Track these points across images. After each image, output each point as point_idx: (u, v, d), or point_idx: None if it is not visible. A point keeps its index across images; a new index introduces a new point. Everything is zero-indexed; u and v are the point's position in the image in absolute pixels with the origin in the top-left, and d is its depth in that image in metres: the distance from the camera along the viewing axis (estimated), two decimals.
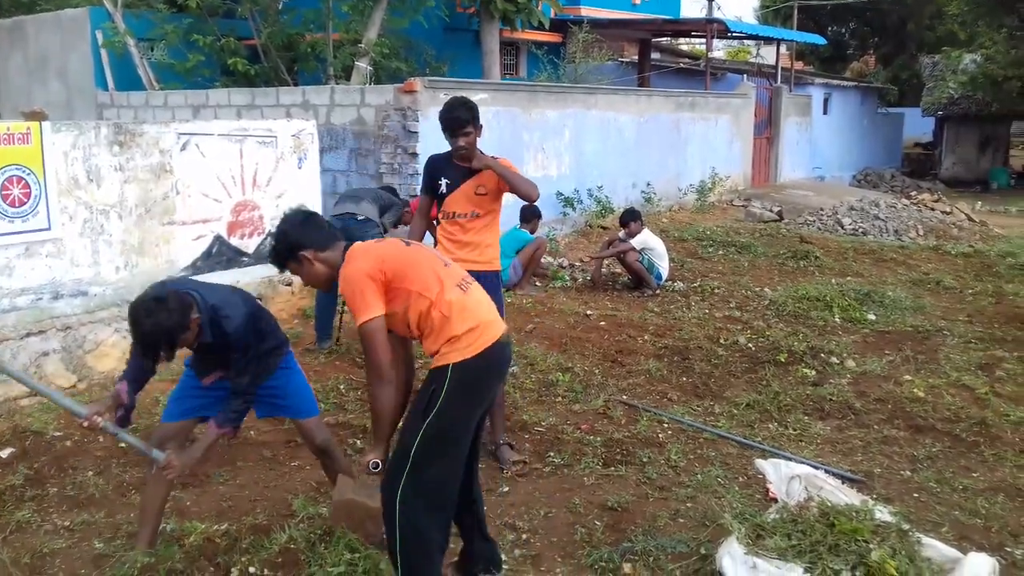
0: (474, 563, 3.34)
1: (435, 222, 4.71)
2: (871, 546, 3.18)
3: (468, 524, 3.30)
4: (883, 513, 3.50)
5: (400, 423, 3.09)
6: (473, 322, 2.94)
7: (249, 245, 6.95)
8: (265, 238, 7.05)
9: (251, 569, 3.23)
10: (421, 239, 4.42)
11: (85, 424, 3.22)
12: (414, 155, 9.23)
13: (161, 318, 3.02)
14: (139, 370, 3.32)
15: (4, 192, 5.36)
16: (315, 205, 7.53)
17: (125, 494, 4.25)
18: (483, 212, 4.46)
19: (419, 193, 4.59)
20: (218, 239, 6.69)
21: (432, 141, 9.29)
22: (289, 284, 7.05)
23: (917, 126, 27.77)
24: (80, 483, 4.35)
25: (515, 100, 10.58)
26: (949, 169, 24.09)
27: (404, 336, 3.11)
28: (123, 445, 3.52)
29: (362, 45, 12.24)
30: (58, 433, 4.92)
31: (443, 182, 4.43)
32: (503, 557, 3.56)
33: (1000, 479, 4.45)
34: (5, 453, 4.66)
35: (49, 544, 3.75)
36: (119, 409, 3.36)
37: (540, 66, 15.20)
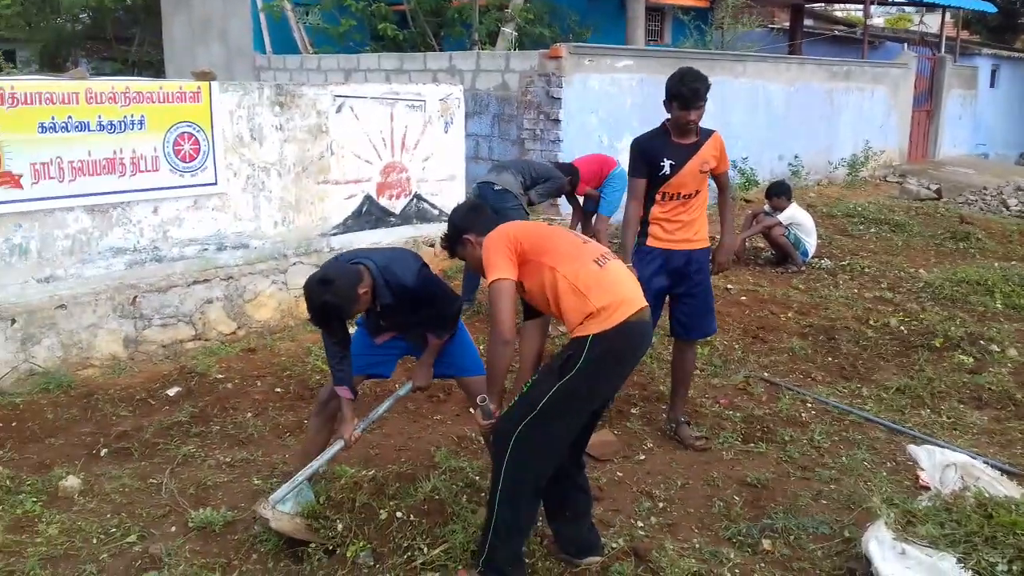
0: (565, 545, 3.32)
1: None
2: None
3: (571, 488, 3.28)
4: None
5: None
6: (610, 297, 2.95)
7: (396, 206, 7.16)
8: (411, 200, 7.25)
9: (398, 514, 3.37)
10: (638, 225, 4.30)
11: (353, 444, 3.54)
12: (556, 121, 9.24)
13: (327, 298, 3.16)
14: (339, 357, 3.46)
15: (176, 147, 5.72)
16: (459, 168, 7.68)
17: (280, 435, 4.52)
18: (702, 189, 4.31)
19: (631, 176, 4.28)
20: (368, 199, 6.92)
21: (575, 107, 9.30)
22: (432, 245, 7.23)
23: None
24: (240, 423, 4.65)
25: (660, 67, 10.37)
26: None
27: (545, 312, 3.17)
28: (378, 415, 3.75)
29: (507, 11, 12.28)
30: (220, 375, 5.26)
31: (666, 163, 4.17)
32: (639, 524, 3.59)
33: None
34: (172, 392, 5.03)
35: (212, 477, 4.04)
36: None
37: (686, 32, 14.83)
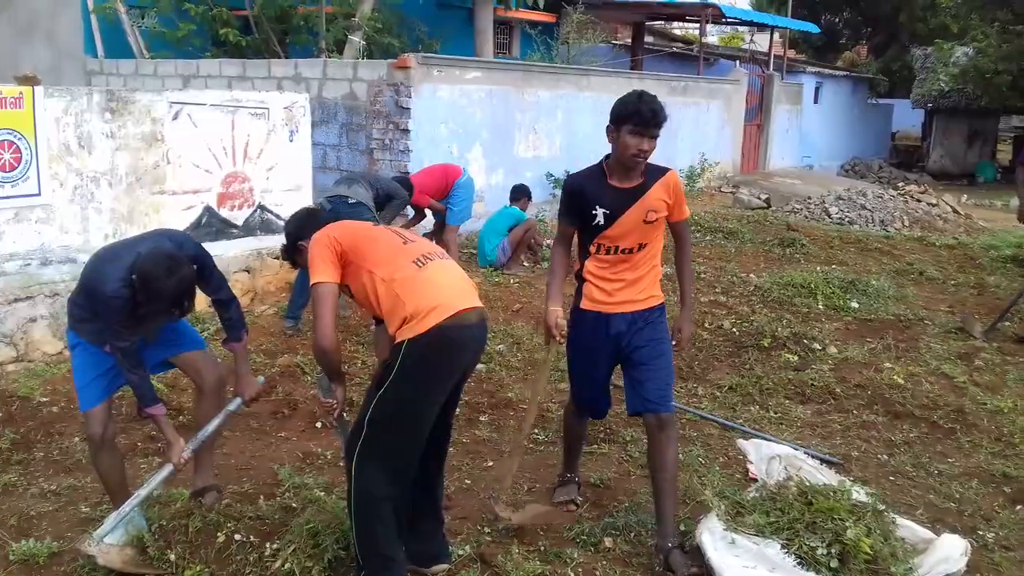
0: (420, 545, 3.29)
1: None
2: (847, 524, 3.25)
3: (423, 504, 3.26)
4: (860, 494, 3.57)
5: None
6: (424, 301, 2.88)
7: (239, 217, 6.95)
8: (255, 210, 7.06)
9: (237, 536, 3.27)
10: (564, 273, 3.62)
11: (182, 467, 3.38)
12: (406, 131, 9.23)
13: (187, 271, 3.09)
14: (140, 364, 3.27)
15: None
16: (305, 179, 7.55)
17: None
18: (652, 240, 3.50)
19: (559, 217, 3.61)
20: (208, 210, 6.69)
21: (425, 118, 9.32)
22: (277, 257, 7.05)
23: (906, 118, 27.88)
24: (66, 448, 4.39)
25: (508, 80, 10.58)
26: (937, 162, 24.21)
27: (374, 315, 3.15)
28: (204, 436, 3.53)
29: (355, 19, 12.18)
30: (44, 399, 4.93)
31: (599, 212, 3.38)
32: (486, 530, 3.63)
33: (975, 465, 4.54)
34: None
35: (35, 507, 3.79)
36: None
37: (533, 46, 15.18)
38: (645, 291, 3.53)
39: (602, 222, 3.40)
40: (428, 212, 7.81)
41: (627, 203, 3.39)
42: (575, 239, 3.60)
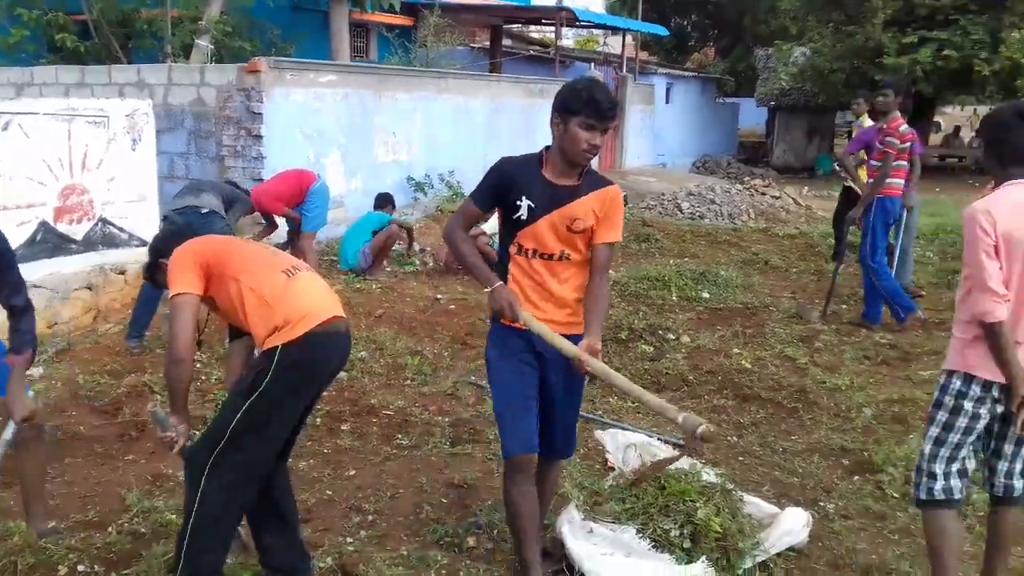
0: (271, 559, 3.19)
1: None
2: (698, 505, 3.39)
3: (274, 518, 3.18)
4: (710, 475, 3.74)
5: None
6: (296, 309, 2.90)
7: (78, 231, 6.58)
8: (96, 224, 6.70)
9: (80, 567, 3.10)
10: (472, 248, 3.16)
11: None
12: (258, 137, 9.00)
13: None
14: None
15: None
16: (150, 189, 7.23)
17: None
18: (575, 255, 3.09)
19: (471, 198, 3.13)
20: (43, 225, 6.30)
21: (279, 123, 9.10)
22: (123, 272, 6.72)
23: (752, 116, 29.32)
24: None
25: (365, 83, 10.47)
26: (780, 157, 25.55)
27: (237, 326, 3.09)
28: None
29: (202, 23, 11.77)
30: None
31: (524, 203, 3.00)
32: (348, 540, 3.59)
33: (816, 440, 4.83)
34: None
35: None
36: None
37: (391, 49, 15.09)
38: (571, 314, 3.11)
39: (524, 216, 3.01)
40: (280, 220, 7.64)
41: (556, 202, 3.02)
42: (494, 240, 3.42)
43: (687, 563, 3.22)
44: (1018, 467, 3.07)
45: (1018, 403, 2.88)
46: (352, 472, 4.28)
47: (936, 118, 26.76)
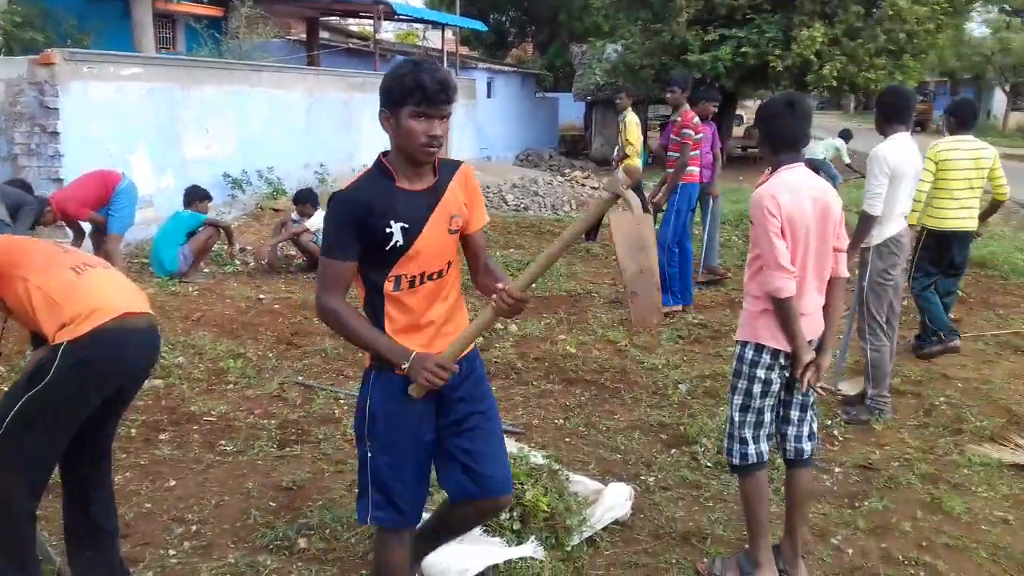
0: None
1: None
2: (526, 488, 3.48)
3: (80, 534, 3.02)
4: (537, 458, 3.85)
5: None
6: (84, 305, 2.75)
7: None
8: None
9: None
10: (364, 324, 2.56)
11: None
12: (55, 134, 8.38)
13: None
14: None
15: None
16: None
17: None
18: (455, 257, 2.70)
19: (328, 258, 2.49)
20: None
21: (77, 119, 8.51)
22: None
23: (571, 110, 30.22)
24: None
25: (172, 76, 9.97)
26: (598, 149, 26.47)
27: (27, 327, 2.91)
28: None
29: None
30: None
31: (395, 227, 2.47)
32: (171, 552, 3.43)
33: (637, 418, 5.07)
34: None
35: None
36: None
37: (200, 41, 14.41)
38: (461, 326, 2.71)
39: (400, 241, 2.47)
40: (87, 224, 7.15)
41: (426, 210, 2.53)
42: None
43: (517, 544, 3.31)
44: (805, 431, 3.38)
45: (801, 369, 3.18)
46: (173, 483, 4.08)
47: (738, 111, 28.63)
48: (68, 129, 8.44)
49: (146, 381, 5.17)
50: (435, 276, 2.59)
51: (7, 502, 2.72)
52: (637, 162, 9.80)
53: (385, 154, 2.55)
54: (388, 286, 2.53)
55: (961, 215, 5.92)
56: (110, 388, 2.87)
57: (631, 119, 9.54)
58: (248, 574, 3.27)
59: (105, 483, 3.07)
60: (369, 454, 2.60)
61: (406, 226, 2.48)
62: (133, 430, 4.57)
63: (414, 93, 2.40)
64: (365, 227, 2.46)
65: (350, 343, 2.68)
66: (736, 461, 3.34)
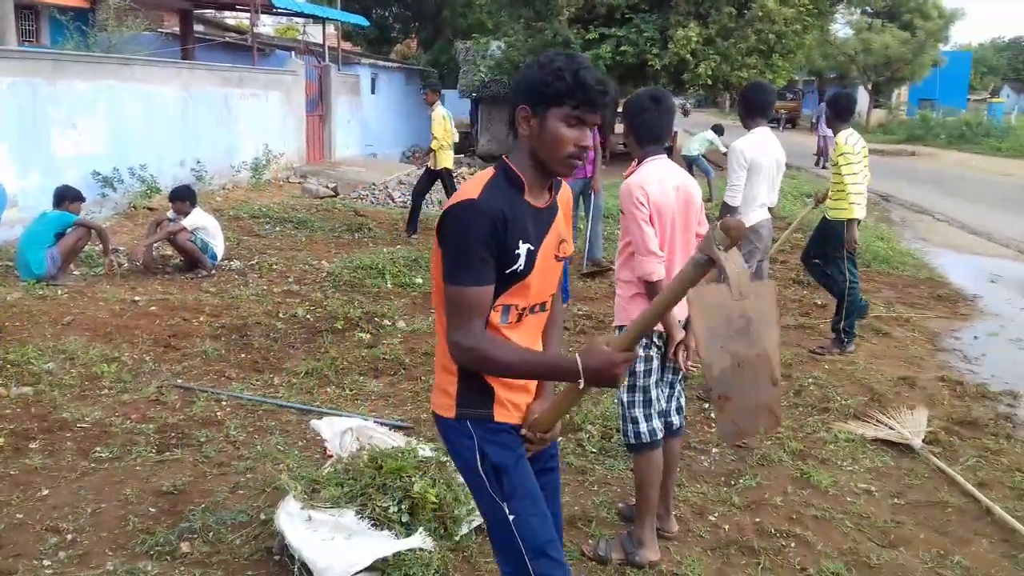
0: None
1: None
2: (414, 480, 3.51)
3: None
4: (426, 450, 3.88)
5: None
6: None
7: None
8: None
9: None
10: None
11: None
12: None
13: None
14: None
15: None
16: None
17: None
18: (557, 290, 2.43)
19: (465, 284, 2.09)
20: None
21: None
22: None
23: (457, 107, 30.24)
24: None
25: (36, 70, 9.46)
26: (485, 145, 26.61)
27: None
28: None
29: None
30: None
31: (523, 248, 2.15)
32: (46, 563, 3.30)
33: None
34: None
35: None
36: None
37: (66, 33, 13.71)
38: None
39: (522, 266, 2.15)
40: None
41: (543, 231, 2.22)
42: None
43: (406, 536, 3.33)
44: (674, 405, 3.62)
45: (673, 348, 3.37)
46: (45, 492, 3.90)
47: (620, 108, 29.27)
48: None
49: (13, 388, 4.95)
50: (538, 309, 2.30)
51: None
52: (447, 156, 10.36)
53: (507, 158, 2.21)
54: (495, 317, 2.19)
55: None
56: None
57: (438, 113, 10.31)
58: None
59: None
60: (512, 515, 2.22)
61: (532, 248, 2.16)
62: (1, 439, 4.34)
63: (573, 93, 2.07)
64: (501, 245, 2.10)
65: (509, 377, 2.24)
66: (631, 440, 3.48)
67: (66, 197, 7.77)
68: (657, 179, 3.39)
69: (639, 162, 3.51)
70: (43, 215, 7.68)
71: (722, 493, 4.13)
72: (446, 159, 10.43)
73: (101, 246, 7.95)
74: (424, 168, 10.83)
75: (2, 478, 4.01)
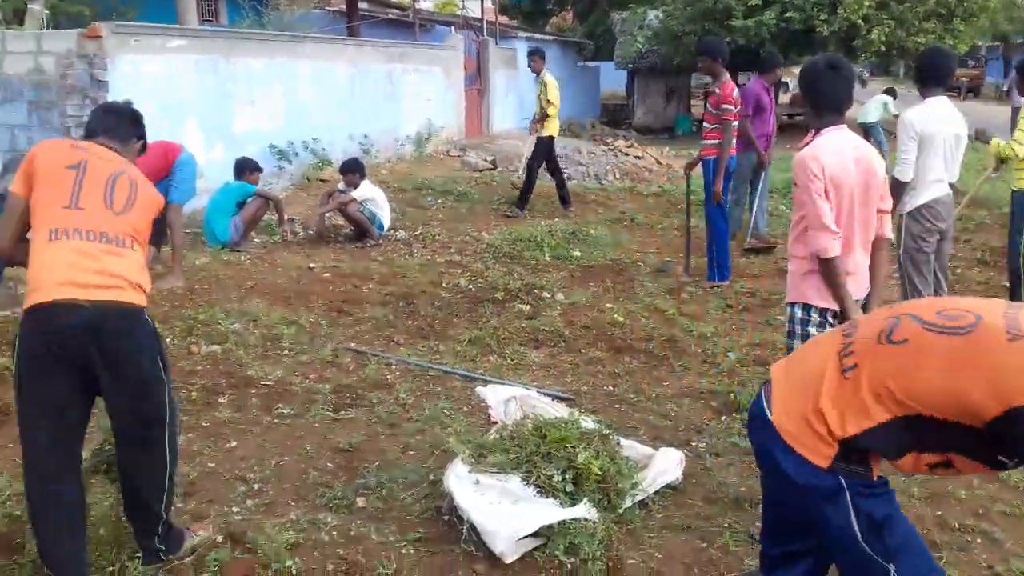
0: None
1: None
2: (578, 451, 3.53)
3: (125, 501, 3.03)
4: (588, 422, 3.89)
5: None
6: (33, 276, 2.75)
7: None
8: None
9: None
10: None
11: None
12: None
13: None
14: None
15: None
16: None
17: None
18: None
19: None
20: None
21: (127, 91, 8.60)
22: None
23: (612, 79, 29.92)
24: None
25: (216, 48, 10.07)
26: (641, 118, 26.27)
27: None
28: None
29: None
30: None
31: None
32: (235, 509, 3.55)
33: (686, 385, 5.08)
34: None
35: None
36: None
37: (242, 13, 14.51)
38: None
39: None
40: None
41: None
42: None
43: (571, 506, 3.36)
44: None
45: None
46: (234, 443, 4.20)
47: (784, 78, 28.10)
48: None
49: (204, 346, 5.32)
50: None
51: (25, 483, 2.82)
52: (555, 123, 10.27)
53: None
54: None
55: None
56: (53, 372, 2.74)
57: (551, 79, 10.16)
58: (310, 530, 3.36)
59: (132, 455, 2.98)
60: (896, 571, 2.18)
61: None
62: (194, 393, 4.69)
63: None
64: None
65: None
66: None
67: (245, 168, 8.26)
68: (834, 150, 3.23)
69: (816, 132, 3.35)
70: (226, 185, 8.20)
71: (901, 483, 3.92)
72: (554, 127, 10.33)
73: (277, 216, 8.41)
74: (535, 138, 10.47)
75: (195, 429, 4.34)
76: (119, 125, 3.18)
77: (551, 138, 10.38)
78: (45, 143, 3.17)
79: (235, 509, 3.57)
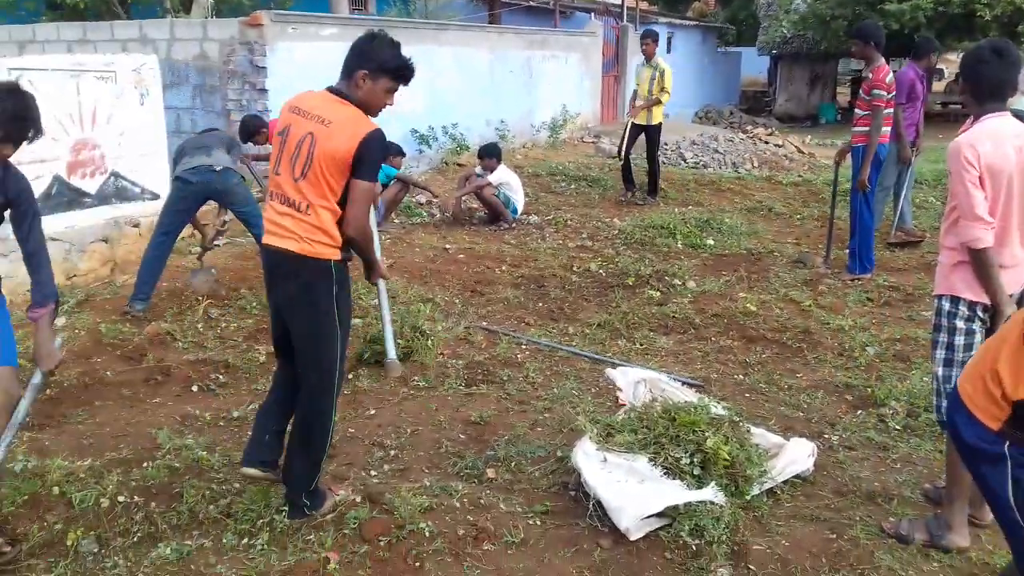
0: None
1: None
2: (707, 435, 3.53)
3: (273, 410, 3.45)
4: (718, 408, 3.87)
5: None
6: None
7: (91, 185, 6.66)
8: (109, 178, 6.78)
9: (120, 498, 3.26)
10: None
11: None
12: (263, 91, 9.02)
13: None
14: None
15: None
16: (160, 143, 7.29)
17: None
18: None
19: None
20: (57, 179, 6.38)
21: (283, 77, 9.12)
22: (136, 225, 6.82)
23: (754, 65, 29.09)
24: None
25: None
26: (782, 106, 25.45)
27: None
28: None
29: None
30: None
31: None
32: (372, 473, 3.75)
33: (820, 378, 4.97)
34: None
35: None
36: None
37: (389, 2, 14.98)
38: None
39: None
40: None
41: None
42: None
43: (698, 488, 3.37)
44: None
45: (1003, 322, 3.04)
46: (372, 412, 4.42)
47: (939, 65, 26.56)
48: (275, 86, 9.06)
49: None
50: None
51: None
52: (661, 111, 10.01)
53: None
54: None
55: None
56: (272, 298, 3.33)
57: (668, 68, 9.95)
58: (442, 496, 3.52)
59: (302, 384, 3.32)
60: None
61: None
62: None
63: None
64: None
65: None
66: (944, 417, 3.25)
67: (390, 152, 8.56)
68: (992, 138, 3.08)
69: (975, 119, 3.21)
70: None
71: None
72: (661, 114, 10.09)
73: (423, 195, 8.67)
74: (632, 126, 10.17)
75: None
76: None
77: (660, 124, 10.16)
78: None
79: (372, 473, 3.77)
